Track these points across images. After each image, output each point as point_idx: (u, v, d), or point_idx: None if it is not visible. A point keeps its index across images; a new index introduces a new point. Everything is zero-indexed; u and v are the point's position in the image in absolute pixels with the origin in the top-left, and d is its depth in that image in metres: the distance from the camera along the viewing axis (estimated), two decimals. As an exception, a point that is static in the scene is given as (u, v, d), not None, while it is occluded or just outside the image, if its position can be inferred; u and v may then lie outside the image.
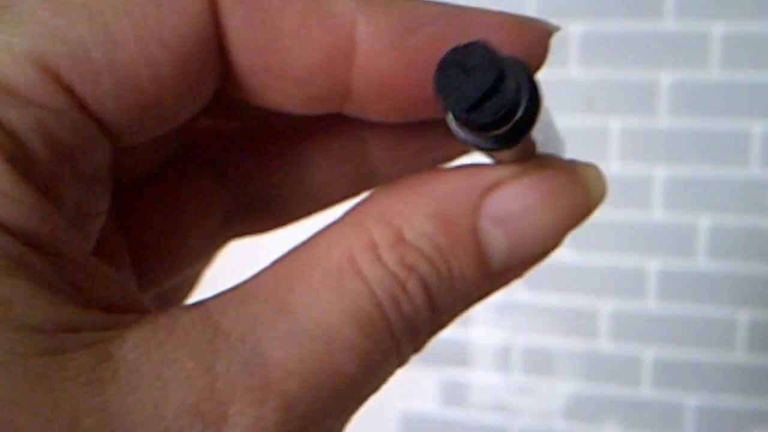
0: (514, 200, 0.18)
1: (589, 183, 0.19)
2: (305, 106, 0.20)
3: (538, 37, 0.20)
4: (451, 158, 0.23)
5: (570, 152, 0.49)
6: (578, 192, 0.19)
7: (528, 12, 0.48)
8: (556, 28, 0.21)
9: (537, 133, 0.17)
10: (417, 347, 0.18)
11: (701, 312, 0.48)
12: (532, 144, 0.18)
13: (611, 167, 0.49)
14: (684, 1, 0.47)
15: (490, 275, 0.18)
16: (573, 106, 0.49)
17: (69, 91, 0.16)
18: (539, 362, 0.51)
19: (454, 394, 0.53)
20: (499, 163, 0.19)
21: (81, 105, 0.16)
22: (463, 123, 0.15)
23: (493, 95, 0.14)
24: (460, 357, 0.52)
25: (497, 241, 0.18)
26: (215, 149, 0.23)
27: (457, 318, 0.19)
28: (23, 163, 0.15)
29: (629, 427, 0.50)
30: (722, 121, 0.47)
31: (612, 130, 0.49)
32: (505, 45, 0.18)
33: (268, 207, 0.24)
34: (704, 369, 0.49)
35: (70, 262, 0.16)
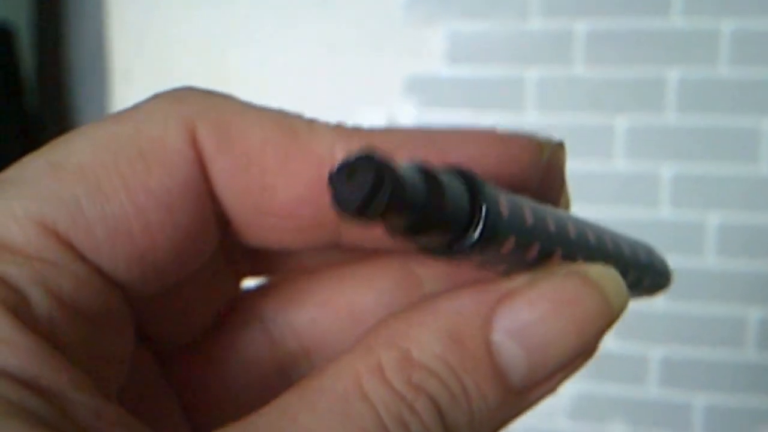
0: (525, 310, 0.18)
1: (604, 286, 0.18)
2: (302, 239, 0.20)
3: (523, 152, 0.20)
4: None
5: (577, 150, 0.49)
6: (593, 296, 0.18)
7: (532, 11, 0.48)
8: (550, 141, 0.20)
9: (531, 240, 0.18)
10: None
11: (710, 310, 0.48)
12: (528, 249, 0.18)
13: (618, 165, 0.48)
14: (691, -3, 0.47)
15: (513, 390, 0.18)
16: (579, 104, 0.49)
17: (67, 244, 0.18)
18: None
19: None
20: (508, 275, 0.18)
21: (80, 257, 0.18)
22: (353, 222, 0.15)
23: (373, 198, 0.14)
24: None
25: (513, 354, 0.17)
26: (261, 304, 0.24)
27: None
28: (25, 313, 0.16)
29: (635, 426, 0.50)
30: (731, 118, 0.47)
31: (619, 128, 0.48)
32: (489, 161, 0.19)
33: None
34: (712, 368, 0.49)
35: (75, 405, 0.16)
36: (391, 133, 0.19)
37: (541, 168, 0.20)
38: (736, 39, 0.46)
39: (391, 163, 0.14)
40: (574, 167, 0.48)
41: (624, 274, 0.20)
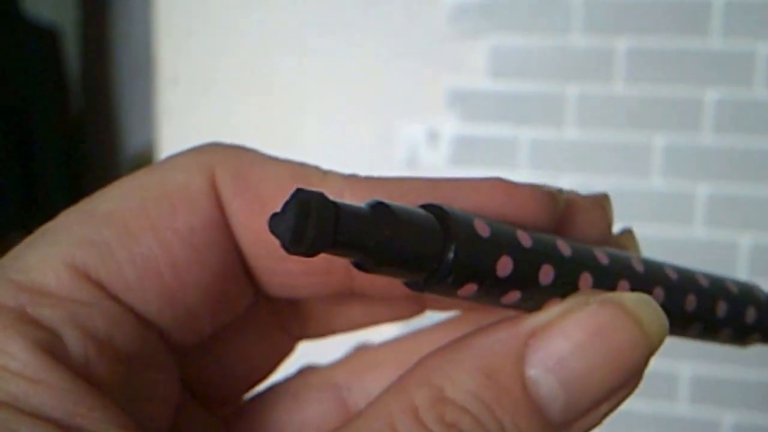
0: (559, 343, 0.17)
1: (640, 314, 0.17)
2: (316, 285, 0.21)
3: (530, 201, 0.20)
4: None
5: (614, 168, 0.49)
6: (629, 325, 0.17)
7: (574, 28, 0.49)
8: (554, 189, 0.20)
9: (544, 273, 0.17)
10: None
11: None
12: (537, 271, 0.18)
13: (654, 183, 0.49)
14: (730, 19, 0.47)
15: (552, 426, 0.17)
16: (618, 122, 0.49)
17: (99, 285, 0.18)
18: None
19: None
20: (539, 308, 0.18)
21: (112, 296, 0.18)
22: (299, 256, 0.15)
23: (302, 227, 0.15)
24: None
25: (550, 388, 0.17)
26: (334, 374, 0.24)
27: None
28: (60, 353, 0.17)
29: (665, 442, 0.50)
30: (766, 139, 0.47)
31: (656, 147, 0.49)
32: (495, 209, 0.19)
33: None
34: (742, 385, 0.49)
35: None
36: (400, 182, 0.20)
37: (552, 218, 0.20)
38: (775, 62, 0.47)
39: (321, 195, 0.15)
40: (610, 184, 0.48)
41: (703, 304, 0.20)
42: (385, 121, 0.52)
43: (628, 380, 0.17)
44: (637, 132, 0.49)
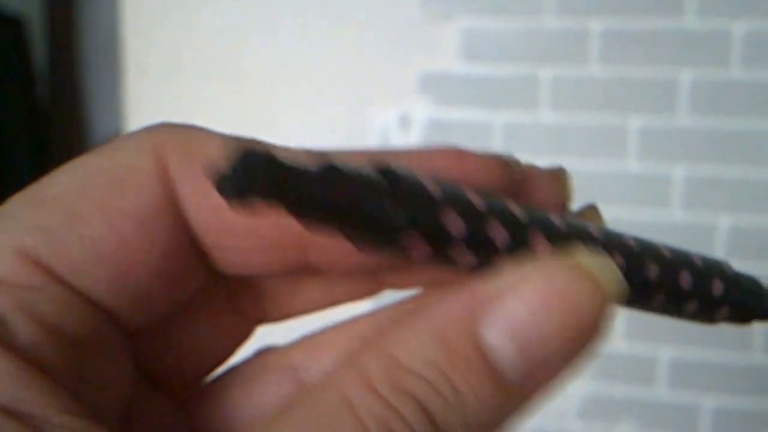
0: (514, 307, 0.17)
1: (595, 274, 0.18)
2: (269, 261, 0.21)
3: (482, 165, 0.20)
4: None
5: (590, 151, 0.49)
6: (584, 286, 0.17)
7: (547, 10, 0.48)
8: (508, 158, 0.21)
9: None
10: None
11: (719, 313, 0.48)
12: (488, 227, 0.18)
13: (630, 165, 0.48)
14: (705, -1, 0.47)
15: (509, 387, 0.17)
16: (593, 104, 0.49)
17: (47, 270, 0.18)
18: (554, 361, 0.51)
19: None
20: (492, 275, 0.18)
21: (60, 280, 0.18)
22: (240, 208, 0.15)
23: (244, 177, 0.14)
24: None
25: (506, 352, 0.17)
26: (292, 354, 0.24)
27: None
28: (7, 338, 0.17)
29: (644, 427, 0.50)
30: (742, 120, 0.47)
31: (631, 129, 0.48)
32: (447, 174, 0.20)
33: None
34: (721, 370, 0.49)
35: (58, 429, 0.16)
36: (354, 154, 0.20)
37: (506, 186, 0.20)
38: (748, 41, 0.46)
39: (266, 152, 0.15)
40: (586, 167, 0.48)
41: (671, 271, 0.20)
42: (358, 106, 0.51)
43: (585, 341, 0.17)
44: (612, 114, 0.49)
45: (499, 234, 0.18)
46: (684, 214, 0.48)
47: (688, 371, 0.49)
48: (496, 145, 0.50)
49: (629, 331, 0.49)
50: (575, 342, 0.17)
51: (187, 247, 0.20)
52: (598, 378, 0.50)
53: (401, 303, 0.24)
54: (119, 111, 0.58)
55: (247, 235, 0.20)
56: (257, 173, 0.14)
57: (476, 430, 0.17)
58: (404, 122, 0.51)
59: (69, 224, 0.18)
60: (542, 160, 0.22)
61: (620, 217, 0.47)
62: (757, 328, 0.48)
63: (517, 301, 0.17)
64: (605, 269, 0.18)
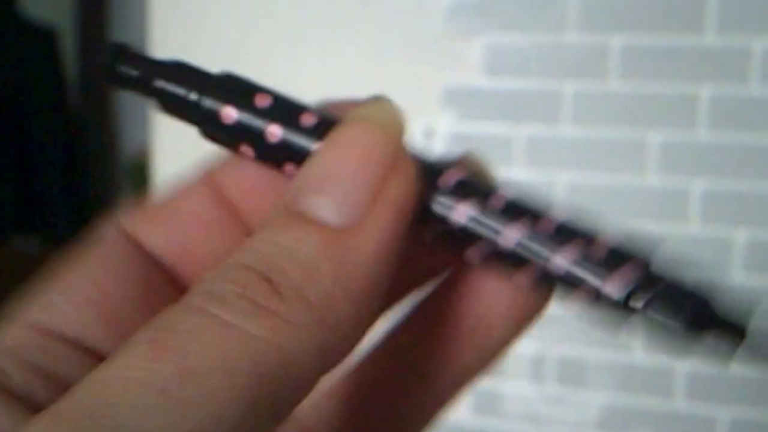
0: (308, 167, 0.18)
1: (374, 115, 0.19)
2: None
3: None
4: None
5: (610, 165, 0.49)
6: (368, 126, 0.19)
7: (570, 25, 0.49)
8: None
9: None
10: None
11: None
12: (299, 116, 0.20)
13: (649, 179, 0.49)
14: (726, 15, 0.47)
15: (336, 231, 0.17)
16: (613, 119, 0.49)
17: (47, 330, 0.20)
18: (572, 373, 0.51)
19: (487, 404, 0.53)
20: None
21: (54, 334, 0.20)
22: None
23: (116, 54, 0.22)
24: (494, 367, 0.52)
25: (312, 201, 0.18)
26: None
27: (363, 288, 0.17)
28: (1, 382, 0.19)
29: (662, 438, 0.50)
30: (761, 135, 0.47)
31: (651, 143, 0.49)
32: None
33: None
34: (738, 382, 0.49)
35: None
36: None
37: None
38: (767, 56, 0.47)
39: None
40: (606, 180, 0.49)
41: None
42: (382, 119, 0.52)
43: (385, 169, 0.18)
44: (632, 128, 0.49)
45: (309, 119, 0.21)
46: (702, 228, 0.49)
47: (706, 383, 0.49)
48: (518, 158, 0.50)
49: (648, 344, 0.49)
50: (372, 172, 0.18)
51: (164, 283, 0.22)
52: (616, 389, 0.51)
53: None
54: (147, 121, 0.59)
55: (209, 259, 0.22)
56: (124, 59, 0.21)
57: (325, 282, 0.17)
58: (428, 135, 0.52)
59: (59, 292, 0.21)
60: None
61: (641, 229, 0.47)
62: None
63: (310, 163, 0.18)
64: (381, 107, 0.20)
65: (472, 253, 0.20)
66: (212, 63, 0.56)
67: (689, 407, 0.50)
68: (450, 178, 0.20)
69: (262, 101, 0.20)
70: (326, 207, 0.18)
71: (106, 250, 0.22)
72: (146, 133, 0.62)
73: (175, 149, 0.55)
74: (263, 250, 0.17)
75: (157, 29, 0.56)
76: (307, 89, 0.53)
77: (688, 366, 0.49)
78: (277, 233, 0.17)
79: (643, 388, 0.50)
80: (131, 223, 0.22)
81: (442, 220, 0.19)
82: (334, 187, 0.18)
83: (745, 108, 0.47)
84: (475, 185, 0.20)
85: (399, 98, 0.53)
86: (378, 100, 0.20)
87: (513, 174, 0.50)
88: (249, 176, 0.22)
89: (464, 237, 0.19)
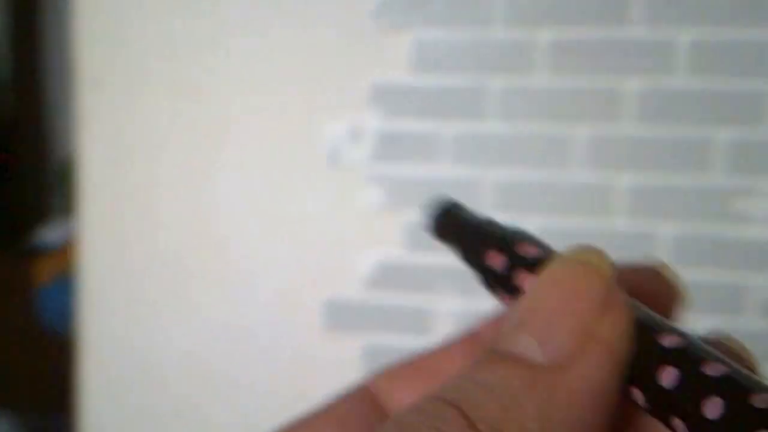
0: (519, 305, 0.18)
1: (586, 258, 0.19)
2: None
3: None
4: None
5: (538, 161, 0.49)
6: (577, 268, 0.18)
7: (496, 19, 0.48)
8: None
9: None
10: None
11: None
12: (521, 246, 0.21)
13: (576, 175, 0.49)
14: (652, 8, 0.47)
15: (540, 369, 0.17)
16: (541, 114, 0.49)
17: None
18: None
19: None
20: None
21: None
22: None
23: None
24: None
25: (520, 340, 0.17)
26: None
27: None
28: None
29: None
30: (686, 128, 0.47)
31: (578, 138, 0.49)
32: None
33: None
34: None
35: None
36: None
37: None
38: (694, 49, 0.47)
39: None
40: (534, 177, 0.48)
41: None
42: (309, 118, 0.51)
43: (596, 308, 0.18)
44: (559, 123, 0.49)
45: (532, 250, 0.21)
46: (628, 223, 0.49)
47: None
48: (446, 156, 0.50)
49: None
50: (583, 312, 0.17)
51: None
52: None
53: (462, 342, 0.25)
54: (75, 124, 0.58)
55: None
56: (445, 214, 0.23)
57: (526, 420, 0.16)
58: (354, 134, 0.51)
59: None
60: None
61: (563, 226, 0.47)
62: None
63: (520, 302, 0.18)
64: (592, 251, 0.19)
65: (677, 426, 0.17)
66: (137, 63, 0.55)
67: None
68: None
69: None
70: (530, 345, 0.17)
71: (345, 406, 0.24)
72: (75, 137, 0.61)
73: (103, 150, 0.54)
74: (463, 385, 0.17)
75: (82, 28, 0.55)
76: (234, 90, 0.53)
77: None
78: (480, 370, 0.17)
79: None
80: (380, 381, 0.24)
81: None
82: (539, 325, 0.17)
83: (672, 101, 0.48)
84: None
85: (325, 96, 0.52)
86: (586, 246, 0.19)
87: (440, 172, 0.50)
88: None
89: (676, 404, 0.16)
